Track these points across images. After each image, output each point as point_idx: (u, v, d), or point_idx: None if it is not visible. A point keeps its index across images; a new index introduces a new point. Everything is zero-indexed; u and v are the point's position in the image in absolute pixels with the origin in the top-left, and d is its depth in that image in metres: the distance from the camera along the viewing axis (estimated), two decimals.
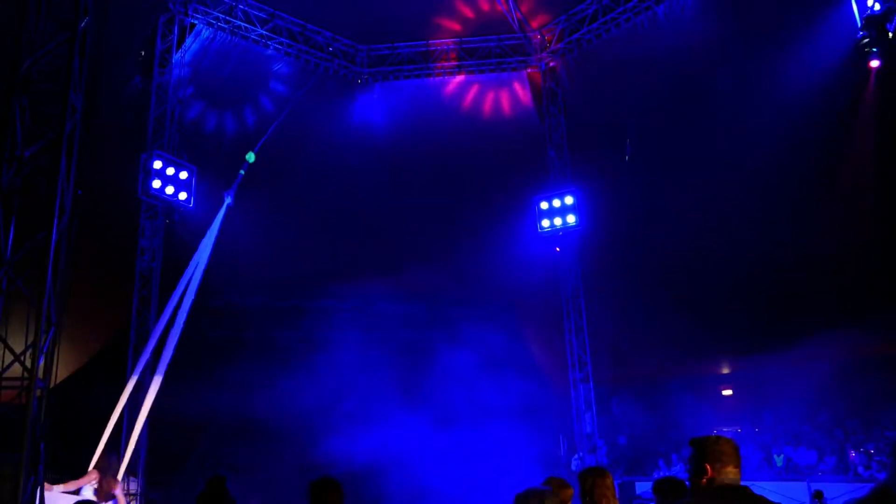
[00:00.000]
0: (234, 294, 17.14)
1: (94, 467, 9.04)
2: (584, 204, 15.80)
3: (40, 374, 7.39)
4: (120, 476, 9.34)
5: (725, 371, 19.47)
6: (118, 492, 8.84)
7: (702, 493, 3.06)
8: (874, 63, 12.39)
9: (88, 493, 8.68)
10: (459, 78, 17.00)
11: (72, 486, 8.70)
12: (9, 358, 7.45)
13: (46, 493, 7.95)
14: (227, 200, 12.15)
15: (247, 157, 12.29)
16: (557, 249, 15.98)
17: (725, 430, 16.45)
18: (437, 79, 17.04)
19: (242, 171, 12.19)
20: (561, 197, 15.80)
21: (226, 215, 12.09)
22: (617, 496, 4.08)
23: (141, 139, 13.89)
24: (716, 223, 16.85)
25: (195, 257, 11.28)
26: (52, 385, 7.62)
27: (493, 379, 14.71)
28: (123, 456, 10.74)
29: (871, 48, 11.80)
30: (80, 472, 9.10)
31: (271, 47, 15.70)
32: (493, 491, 12.10)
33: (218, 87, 15.52)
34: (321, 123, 16.65)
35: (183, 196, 13.88)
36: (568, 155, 16.61)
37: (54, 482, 8.42)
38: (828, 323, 14.35)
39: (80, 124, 7.98)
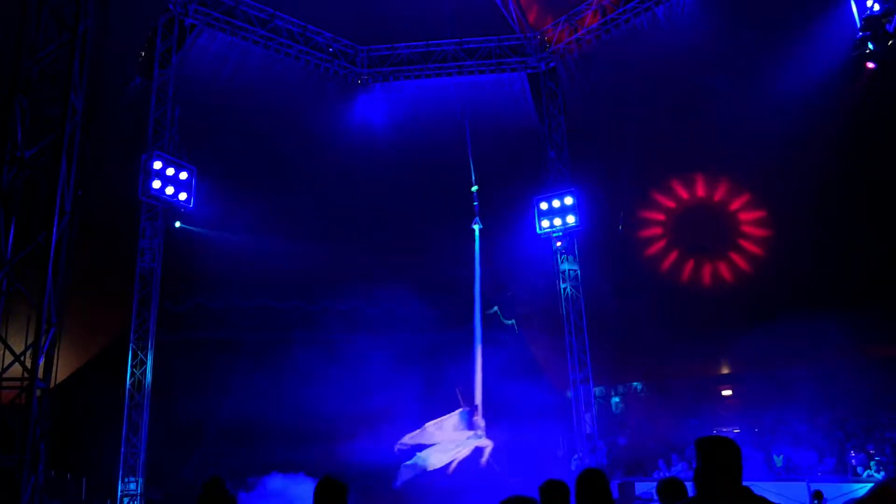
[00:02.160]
0: (234, 296, 17.15)
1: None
2: (584, 204, 15.79)
3: (40, 374, 7.41)
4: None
5: (725, 371, 19.46)
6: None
7: (704, 494, 3.08)
8: (871, 64, 12.38)
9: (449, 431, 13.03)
10: (459, 78, 16.97)
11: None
12: (9, 358, 7.47)
13: (426, 432, 12.74)
14: (478, 226, 14.84)
15: (472, 189, 14.90)
16: (559, 244, 15.97)
17: (725, 430, 16.45)
18: (437, 79, 17.01)
19: (476, 203, 14.89)
20: (561, 197, 15.79)
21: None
22: (615, 497, 4.00)
23: (141, 140, 13.89)
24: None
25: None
26: (52, 385, 7.64)
27: (495, 380, 14.70)
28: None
29: (870, 48, 11.79)
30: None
31: (271, 48, 15.68)
32: (493, 490, 12.09)
33: (218, 88, 15.48)
34: (322, 124, 16.62)
35: (183, 196, 13.86)
36: (568, 155, 16.60)
37: None
38: (828, 324, 14.35)
39: (80, 125, 8.00)
